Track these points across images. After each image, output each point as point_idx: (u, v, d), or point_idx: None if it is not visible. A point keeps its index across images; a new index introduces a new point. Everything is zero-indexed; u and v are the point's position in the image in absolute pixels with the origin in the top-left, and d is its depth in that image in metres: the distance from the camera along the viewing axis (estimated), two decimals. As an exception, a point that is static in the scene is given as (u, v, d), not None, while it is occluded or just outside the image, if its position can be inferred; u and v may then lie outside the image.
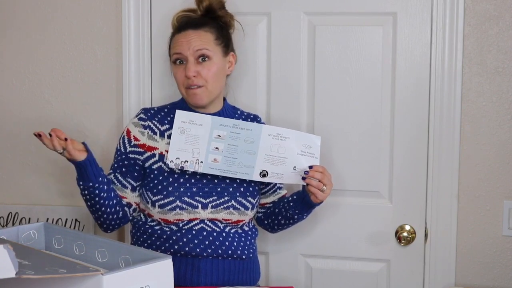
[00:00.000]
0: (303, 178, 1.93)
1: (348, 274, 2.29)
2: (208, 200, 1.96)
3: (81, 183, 1.90)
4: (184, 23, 2.02)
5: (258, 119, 2.13)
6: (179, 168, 1.93)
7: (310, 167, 1.93)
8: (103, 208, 1.94)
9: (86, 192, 1.91)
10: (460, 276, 2.22)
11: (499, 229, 2.19)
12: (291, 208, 2.03)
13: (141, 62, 2.32)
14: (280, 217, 2.08)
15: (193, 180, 1.96)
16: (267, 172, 1.95)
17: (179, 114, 1.94)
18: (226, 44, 2.04)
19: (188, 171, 1.95)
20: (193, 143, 1.93)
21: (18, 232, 1.62)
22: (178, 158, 1.93)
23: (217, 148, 1.93)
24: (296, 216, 2.04)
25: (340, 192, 2.26)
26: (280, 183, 2.12)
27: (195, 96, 1.97)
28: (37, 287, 1.28)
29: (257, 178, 1.94)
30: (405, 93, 2.19)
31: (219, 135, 1.94)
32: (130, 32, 2.32)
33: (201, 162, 1.93)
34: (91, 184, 1.90)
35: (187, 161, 1.93)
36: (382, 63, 2.20)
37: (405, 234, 2.22)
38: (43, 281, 1.27)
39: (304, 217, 2.06)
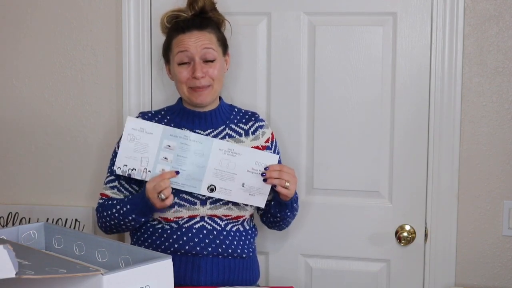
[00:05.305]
0: (265, 180, 1.92)
1: (348, 274, 2.29)
2: (207, 196, 1.96)
3: (133, 215, 1.92)
4: (187, 24, 2.01)
5: (256, 115, 2.12)
6: (125, 175, 1.93)
7: (266, 168, 1.93)
8: (124, 227, 1.98)
9: (126, 220, 1.94)
10: (460, 276, 2.22)
11: (499, 229, 2.18)
12: (272, 207, 2.03)
13: (141, 62, 2.32)
14: (269, 215, 2.07)
15: None
16: (215, 187, 1.93)
17: (130, 121, 1.92)
18: (225, 44, 2.08)
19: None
20: (142, 152, 1.91)
21: (18, 232, 1.62)
22: (126, 165, 1.92)
23: (166, 158, 1.91)
24: (278, 214, 2.04)
25: (340, 192, 2.26)
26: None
27: (200, 96, 1.98)
28: (37, 287, 1.28)
29: (204, 192, 1.93)
30: (405, 93, 2.19)
31: (169, 145, 1.91)
32: (130, 32, 2.31)
33: (149, 171, 1.92)
34: (143, 219, 1.94)
35: (135, 169, 1.92)
36: (382, 63, 2.20)
37: (405, 234, 2.22)
38: (43, 281, 1.27)
39: (288, 214, 2.04)
